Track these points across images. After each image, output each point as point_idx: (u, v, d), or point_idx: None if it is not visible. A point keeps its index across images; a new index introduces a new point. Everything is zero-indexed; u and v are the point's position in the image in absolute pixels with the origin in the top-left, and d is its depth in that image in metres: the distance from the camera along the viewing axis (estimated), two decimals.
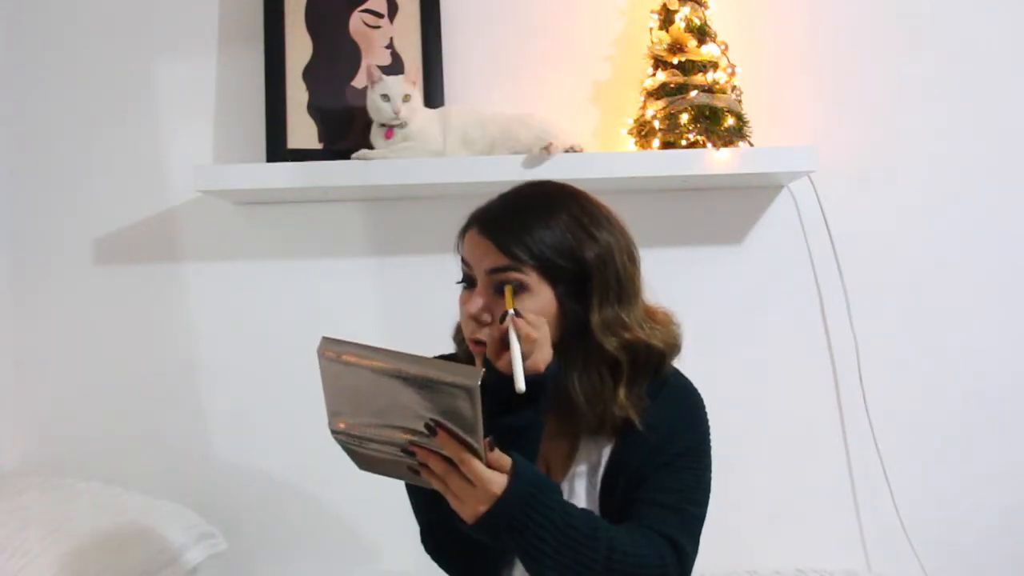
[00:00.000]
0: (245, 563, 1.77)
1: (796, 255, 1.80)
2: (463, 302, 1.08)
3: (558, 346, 1.05)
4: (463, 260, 1.08)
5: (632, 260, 1.09)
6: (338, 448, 0.97)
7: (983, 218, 1.81)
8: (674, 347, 1.12)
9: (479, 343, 1.04)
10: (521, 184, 1.13)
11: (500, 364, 0.99)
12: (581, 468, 1.11)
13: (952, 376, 1.80)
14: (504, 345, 0.99)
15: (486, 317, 1.03)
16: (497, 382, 0.97)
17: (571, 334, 1.06)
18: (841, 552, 1.78)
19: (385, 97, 1.66)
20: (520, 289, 1.03)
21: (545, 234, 1.03)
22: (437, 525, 1.09)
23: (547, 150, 1.61)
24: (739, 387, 1.78)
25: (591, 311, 1.05)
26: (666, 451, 1.07)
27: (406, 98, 1.65)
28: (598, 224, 1.06)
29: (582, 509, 0.99)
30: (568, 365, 1.06)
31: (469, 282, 1.07)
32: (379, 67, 1.76)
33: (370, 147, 1.70)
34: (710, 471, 1.11)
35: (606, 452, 1.10)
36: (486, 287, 1.04)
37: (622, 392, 1.06)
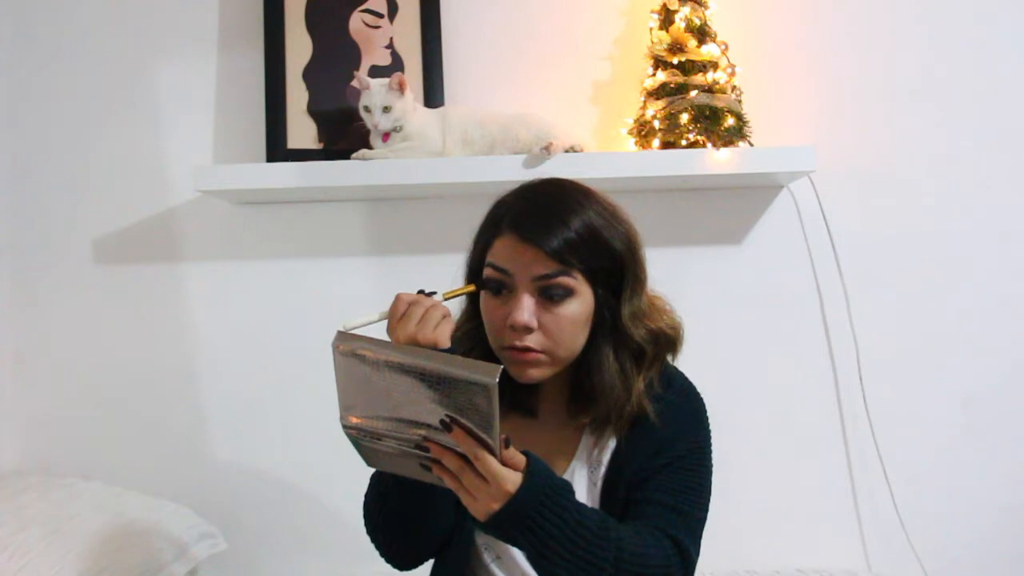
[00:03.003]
0: (245, 563, 1.77)
1: (796, 255, 1.80)
2: (492, 309, 1.06)
3: (589, 340, 1.06)
4: (495, 268, 1.05)
5: (642, 248, 1.10)
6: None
7: (983, 218, 1.81)
8: (678, 329, 1.13)
9: (518, 350, 1.03)
10: (532, 183, 1.11)
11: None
12: (582, 463, 1.11)
13: (952, 376, 1.80)
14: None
15: (535, 323, 1.02)
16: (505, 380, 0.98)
17: (603, 327, 1.06)
18: (841, 552, 1.78)
19: (366, 109, 1.66)
20: (568, 294, 1.03)
21: (586, 234, 1.03)
22: (374, 499, 1.10)
23: (547, 150, 1.61)
24: (739, 387, 1.78)
25: (622, 304, 1.06)
26: (670, 452, 1.07)
27: (386, 109, 1.64)
28: (617, 218, 1.08)
29: (592, 508, 0.99)
30: (599, 356, 1.06)
31: (500, 288, 1.05)
32: (378, 67, 1.76)
33: (370, 147, 1.70)
34: (711, 473, 1.11)
35: (609, 449, 1.10)
36: (532, 293, 1.03)
37: (642, 382, 1.07)
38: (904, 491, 1.76)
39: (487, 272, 1.06)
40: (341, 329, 0.93)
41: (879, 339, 1.78)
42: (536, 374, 1.05)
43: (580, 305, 1.04)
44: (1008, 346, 1.81)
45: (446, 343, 0.99)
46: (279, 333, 1.80)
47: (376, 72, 1.75)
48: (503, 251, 1.05)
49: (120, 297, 1.81)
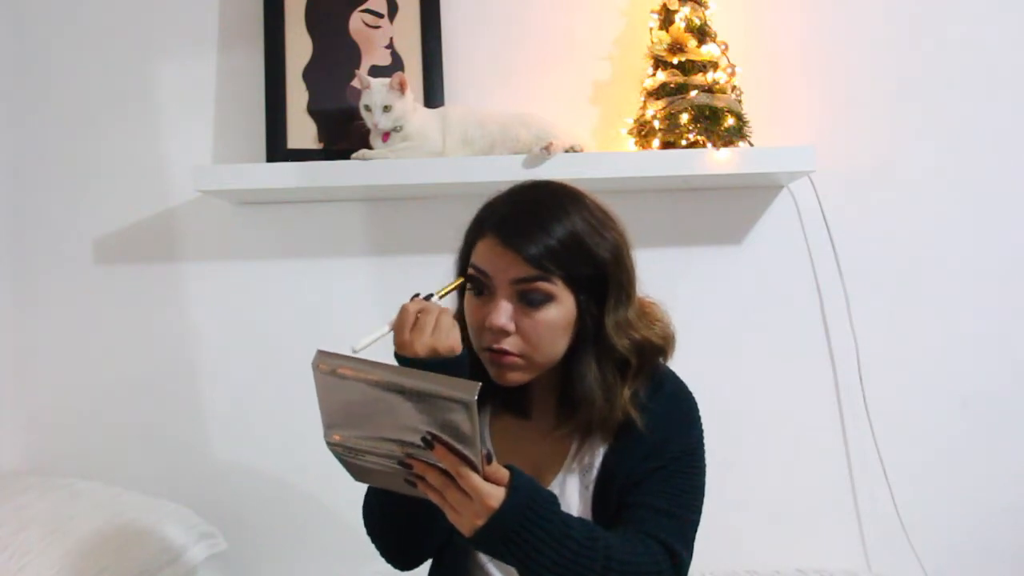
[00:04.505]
0: (245, 563, 1.77)
1: (796, 255, 1.80)
2: (474, 310, 1.06)
3: (571, 347, 1.06)
4: (477, 269, 1.05)
5: (631, 257, 1.09)
6: None
7: (983, 217, 1.81)
8: (669, 339, 1.12)
9: (496, 352, 1.04)
10: (523, 185, 1.11)
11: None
12: (573, 469, 1.11)
13: (952, 376, 1.80)
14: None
15: (512, 327, 1.03)
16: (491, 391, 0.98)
17: (585, 336, 1.06)
18: (841, 552, 1.79)
19: (367, 108, 1.66)
20: (547, 299, 1.02)
21: (568, 241, 1.02)
22: (374, 501, 1.10)
23: (547, 150, 1.61)
24: (739, 387, 1.78)
25: (606, 314, 1.05)
26: (661, 455, 1.07)
27: (387, 108, 1.64)
28: (605, 225, 1.07)
29: (578, 518, 0.99)
30: (581, 365, 1.06)
31: (481, 290, 1.06)
32: (378, 67, 1.76)
33: (370, 147, 1.70)
34: (704, 475, 1.11)
35: (599, 453, 1.10)
36: (511, 297, 1.03)
37: (627, 391, 1.07)
38: (904, 491, 1.76)
39: (470, 272, 1.07)
40: (351, 350, 0.93)
41: (879, 339, 1.78)
42: (514, 377, 1.06)
43: (559, 311, 1.03)
44: (1008, 346, 1.81)
45: (460, 348, 1.00)
46: (279, 333, 1.80)
47: (376, 72, 1.75)
48: (484, 253, 1.05)
49: (120, 297, 1.81)
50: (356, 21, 1.79)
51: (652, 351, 1.09)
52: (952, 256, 1.81)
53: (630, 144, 1.73)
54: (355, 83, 1.72)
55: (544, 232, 1.02)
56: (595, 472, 1.09)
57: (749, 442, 1.77)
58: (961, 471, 1.79)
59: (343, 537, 1.77)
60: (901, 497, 1.76)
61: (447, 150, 1.68)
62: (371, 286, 1.80)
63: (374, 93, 1.65)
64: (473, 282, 1.06)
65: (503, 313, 1.02)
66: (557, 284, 1.03)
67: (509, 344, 1.03)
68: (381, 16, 1.79)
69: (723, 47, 1.71)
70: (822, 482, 1.80)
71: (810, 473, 1.80)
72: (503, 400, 1.13)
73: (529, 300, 1.02)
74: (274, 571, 1.79)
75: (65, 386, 1.82)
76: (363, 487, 1.10)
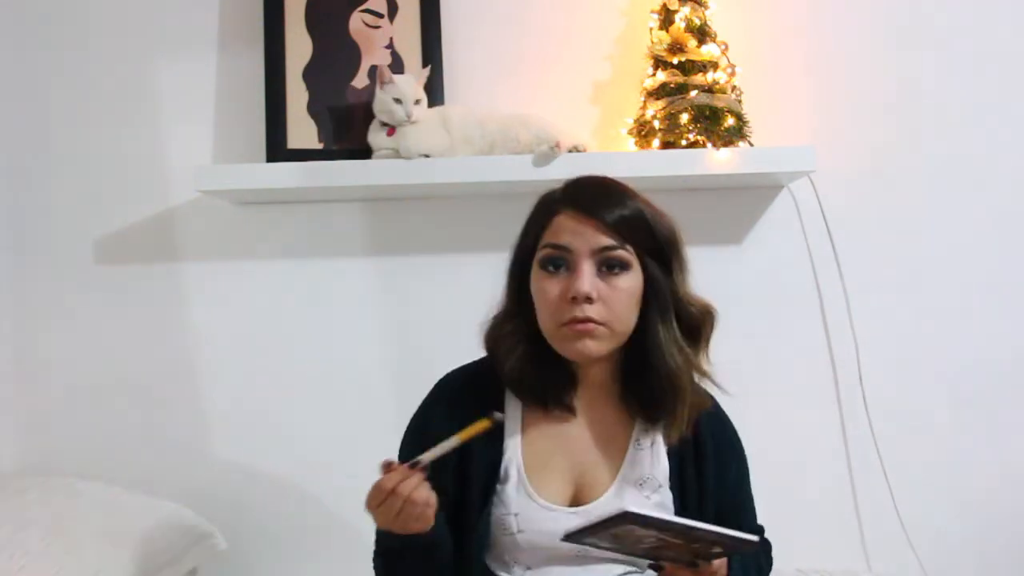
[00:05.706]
0: (245, 563, 1.77)
1: (796, 255, 1.80)
2: (551, 287, 1.08)
3: (641, 319, 1.10)
4: (555, 246, 1.09)
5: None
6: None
7: (983, 218, 1.81)
8: (713, 310, 1.18)
9: (579, 321, 1.06)
10: (578, 177, 1.17)
11: None
12: (628, 480, 1.14)
13: (952, 376, 1.80)
14: None
15: (595, 293, 1.06)
16: None
17: (652, 307, 1.10)
18: (841, 552, 1.79)
19: (397, 100, 1.65)
20: (625, 267, 1.08)
21: (638, 216, 1.09)
22: (388, 549, 1.11)
23: (556, 148, 1.61)
24: (739, 387, 1.77)
25: (676, 283, 1.11)
26: (741, 474, 1.24)
27: (417, 101, 1.65)
28: (660, 212, 1.14)
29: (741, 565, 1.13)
30: (653, 335, 1.10)
31: (558, 265, 1.08)
32: (378, 67, 1.76)
33: (368, 146, 1.70)
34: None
35: (661, 462, 1.16)
36: (594, 266, 1.07)
37: (703, 358, 1.14)
38: (904, 491, 1.76)
39: (544, 252, 1.09)
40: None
41: (879, 339, 1.78)
42: (594, 347, 1.08)
43: (635, 280, 1.09)
44: (1008, 346, 1.81)
45: (426, 527, 1.01)
46: (279, 333, 1.80)
47: (375, 72, 1.75)
48: (562, 227, 1.09)
49: (120, 297, 1.81)
50: (356, 21, 1.79)
51: (712, 318, 1.15)
52: (952, 256, 1.81)
53: (630, 144, 1.73)
54: (362, 77, 1.71)
55: (620, 204, 1.08)
56: (661, 486, 1.15)
57: (749, 442, 1.75)
58: (961, 471, 1.79)
59: (343, 537, 1.76)
60: (901, 497, 1.76)
61: (453, 148, 1.68)
62: (371, 286, 1.80)
63: (404, 86, 1.64)
64: (549, 260, 1.09)
65: (587, 280, 1.05)
66: (631, 253, 1.08)
67: (593, 312, 1.06)
68: (381, 16, 1.79)
69: (723, 47, 1.71)
70: (822, 482, 1.80)
71: (810, 473, 1.80)
72: (547, 396, 1.14)
73: (611, 266, 1.07)
74: (274, 571, 1.79)
75: (65, 386, 1.82)
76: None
